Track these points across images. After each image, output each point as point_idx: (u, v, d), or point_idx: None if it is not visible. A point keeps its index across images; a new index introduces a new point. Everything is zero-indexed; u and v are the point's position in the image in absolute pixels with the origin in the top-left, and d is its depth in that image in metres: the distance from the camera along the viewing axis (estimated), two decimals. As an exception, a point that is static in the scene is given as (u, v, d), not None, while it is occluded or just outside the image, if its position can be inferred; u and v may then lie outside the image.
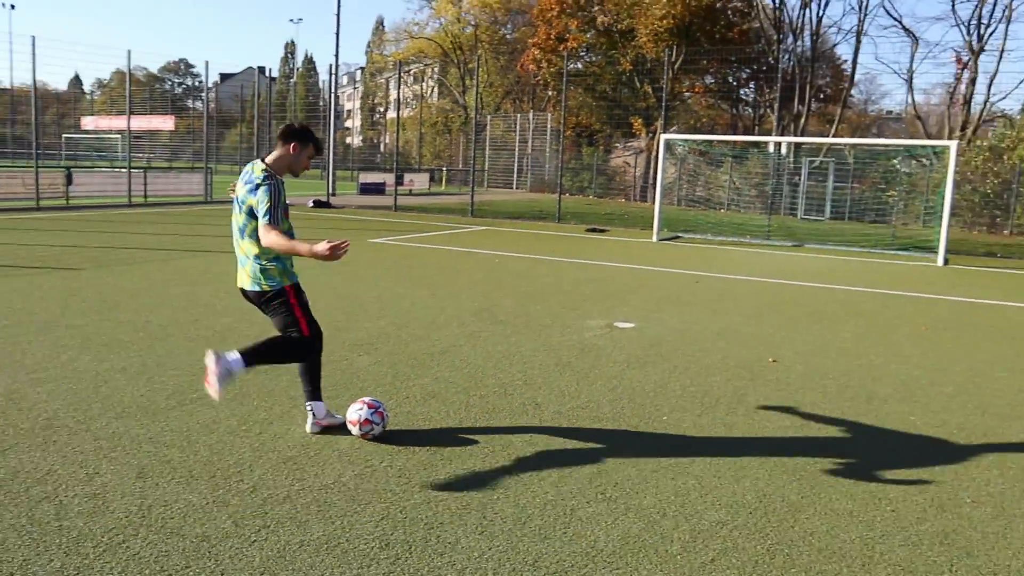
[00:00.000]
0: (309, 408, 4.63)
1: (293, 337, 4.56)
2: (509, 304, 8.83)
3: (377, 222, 19.75)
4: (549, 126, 42.10)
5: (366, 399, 4.62)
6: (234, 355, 4.33)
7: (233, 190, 4.62)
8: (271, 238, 4.31)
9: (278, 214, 4.36)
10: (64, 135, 64.17)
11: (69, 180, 22.61)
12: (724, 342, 7.35)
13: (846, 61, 38.74)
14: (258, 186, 4.36)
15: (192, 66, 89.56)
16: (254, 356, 4.42)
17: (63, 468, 3.96)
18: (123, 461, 4.08)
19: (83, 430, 4.50)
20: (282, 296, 4.55)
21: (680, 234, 18.79)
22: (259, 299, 4.56)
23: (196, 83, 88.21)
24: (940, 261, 14.91)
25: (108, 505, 3.58)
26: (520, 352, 6.65)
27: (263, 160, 4.56)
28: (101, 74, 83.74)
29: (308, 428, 4.61)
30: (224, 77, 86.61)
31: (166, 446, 4.30)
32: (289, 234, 4.46)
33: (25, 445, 4.25)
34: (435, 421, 4.84)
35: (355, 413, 4.52)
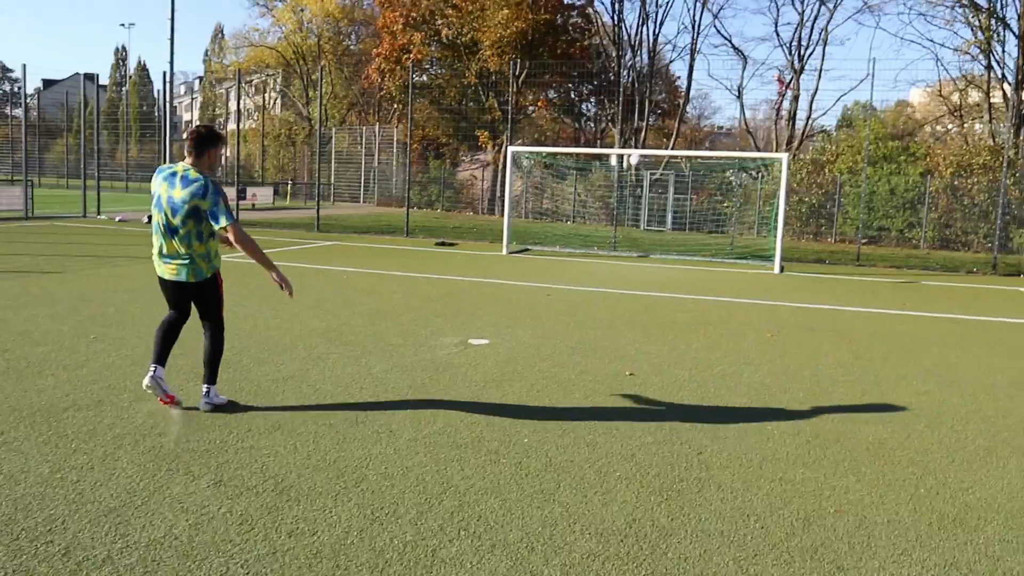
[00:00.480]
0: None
1: (221, 322, 5.44)
2: (358, 323, 8.46)
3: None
4: (395, 139, 41.68)
5: None
6: (209, 391, 5.25)
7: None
8: (246, 240, 5.02)
9: (236, 213, 4.50)
10: None
11: None
12: (580, 356, 7.29)
13: (680, 78, 40.59)
14: (205, 188, 4.85)
15: (11, 70, 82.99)
16: (214, 374, 5.32)
17: None
18: (-95, 525, 3.48)
19: None
20: (216, 280, 5.31)
21: (529, 247, 18.90)
22: (197, 288, 5.17)
23: (15, 88, 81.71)
24: (776, 268, 15.66)
25: None
26: (371, 374, 6.32)
27: (188, 163, 5.00)
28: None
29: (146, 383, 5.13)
30: (47, 83, 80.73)
31: (-39, 503, 3.72)
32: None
33: None
34: (280, 457, 4.45)
35: None
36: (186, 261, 5.05)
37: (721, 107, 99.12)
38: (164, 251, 5.07)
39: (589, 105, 42.70)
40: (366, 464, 4.39)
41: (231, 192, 28.86)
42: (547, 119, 42.85)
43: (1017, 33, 27.97)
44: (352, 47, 52.66)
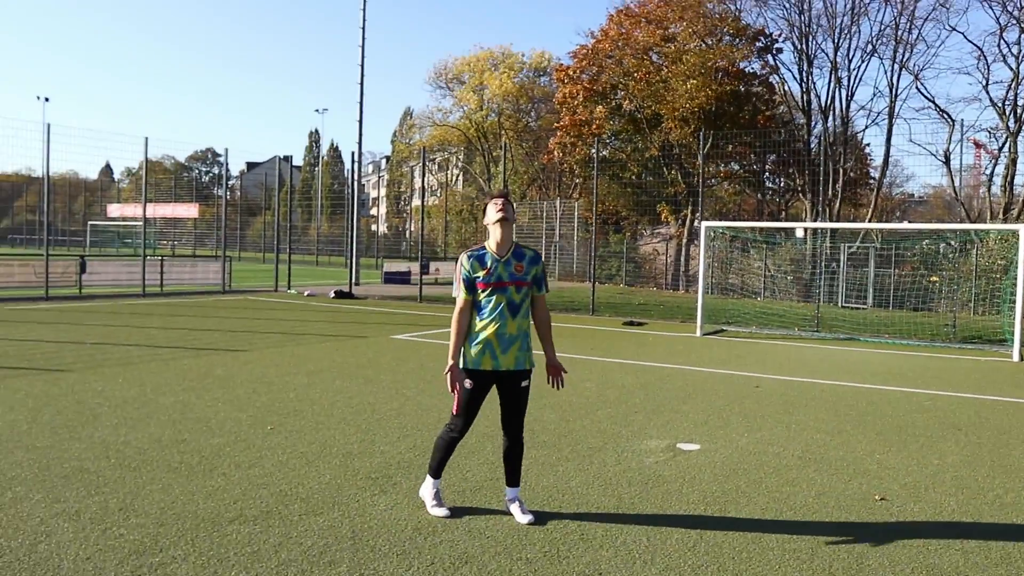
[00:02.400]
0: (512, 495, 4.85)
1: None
2: (550, 418, 7.61)
3: (401, 314, 18.72)
4: (576, 213, 41.43)
5: None
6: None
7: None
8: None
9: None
10: (90, 222, 64.63)
11: (82, 268, 21.91)
12: (812, 471, 6.07)
13: (868, 144, 37.91)
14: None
15: (219, 155, 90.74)
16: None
17: None
18: None
19: (-4, 620, 3.32)
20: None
21: (723, 327, 17.55)
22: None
23: (222, 171, 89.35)
24: (1016, 356, 13.54)
25: None
26: (570, 488, 5.41)
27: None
28: (130, 163, 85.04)
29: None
30: (251, 166, 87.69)
31: (100, 651, 3.10)
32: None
33: (-90, 648, 3.07)
34: (469, 605, 3.61)
35: None
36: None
37: (914, 174, 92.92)
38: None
39: (776, 177, 40.81)
40: (574, 625, 3.45)
41: (414, 266, 29.35)
42: (728, 192, 41.32)
43: None
44: (531, 124, 53.50)
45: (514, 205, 4.80)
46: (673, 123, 33.12)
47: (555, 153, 38.86)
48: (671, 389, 9.54)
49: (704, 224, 17.88)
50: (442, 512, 4.75)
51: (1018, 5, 29.62)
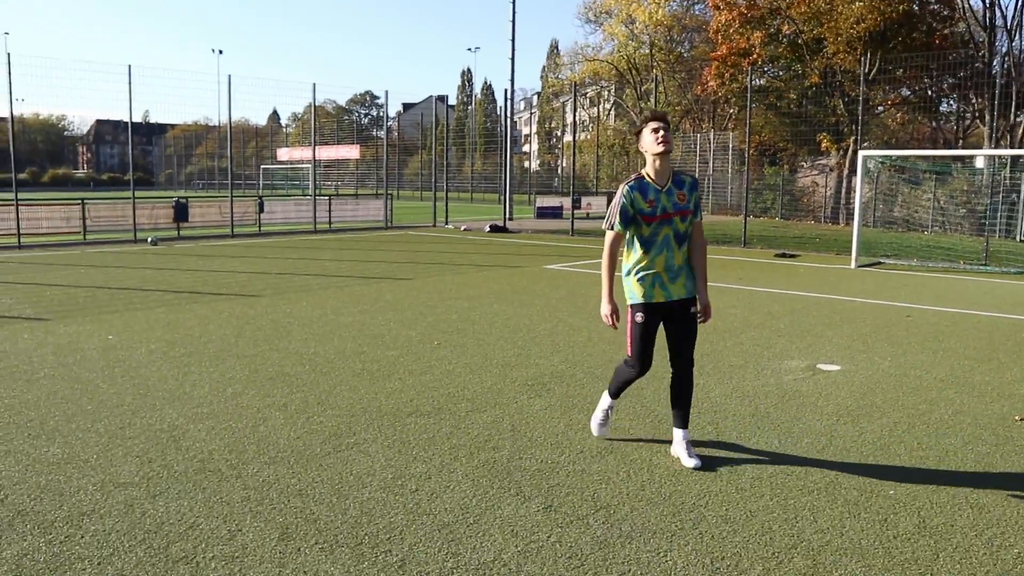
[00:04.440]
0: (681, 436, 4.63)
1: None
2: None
3: (553, 247, 19.36)
4: (731, 145, 40.53)
5: None
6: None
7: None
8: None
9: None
10: (262, 166, 68.80)
11: (261, 208, 23.79)
12: (953, 392, 6.22)
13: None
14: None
15: (377, 97, 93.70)
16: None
17: (207, 522, 3.63)
18: (268, 517, 3.69)
19: (234, 476, 4.18)
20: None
21: (882, 259, 17.11)
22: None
23: (380, 113, 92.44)
24: None
25: (244, 573, 3.17)
26: (710, 398, 5.86)
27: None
28: (296, 108, 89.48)
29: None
30: (407, 107, 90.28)
31: (315, 501, 3.89)
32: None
33: (175, 491, 3.98)
34: (613, 485, 4.18)
35: None
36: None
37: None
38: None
39: (950, 102, 38.23)
40: (705, 503, 3.96)
41: (566, 201, 29.89)
42: (898, 120, 39.12)
43: None
44: (685, 54, 52.21)
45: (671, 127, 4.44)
46: (837, 47, 31.61)
47: (710, 84, 37.99)
48: (817, 316, 9.68)
49: (861, 153, 17.35)
50: (602, 432, 4.84)
51: None
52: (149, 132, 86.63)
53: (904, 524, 3.77)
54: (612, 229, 4.43)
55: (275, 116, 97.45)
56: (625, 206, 4.36)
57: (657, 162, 4.35)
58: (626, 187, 4.38)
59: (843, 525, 3.73)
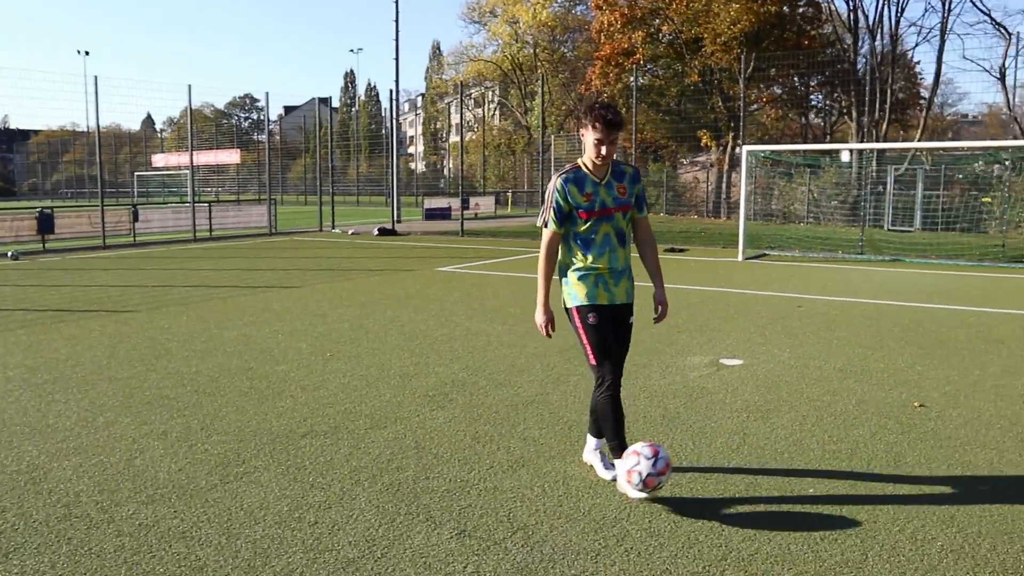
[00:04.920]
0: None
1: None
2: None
3: (444, 248, 19.04)
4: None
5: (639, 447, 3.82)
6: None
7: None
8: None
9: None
10: (136, 173, 65.68)
11: (135, 217, 22.50)
12: (853, 381, 6.27)
13: (919, 63, 36.80)
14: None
15: (257, 100, 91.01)
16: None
17: (72, 580, 3.17)
18: (146, 568, 3.25)
19: (106, 522, 3.70)
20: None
21: (766, 251, 17.57)
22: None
23: (261, 117, 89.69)
24: (1065, 273, 13.44)
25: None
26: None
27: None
28: (171, 112, 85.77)
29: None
30: (288, 110, 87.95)
31: (200, 544, 3.47)
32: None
33: (34, 545, 3.47)
34: (528, 502, 3.92)
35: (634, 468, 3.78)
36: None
37: (968, 93, 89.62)
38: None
39: (818, 98, 39.94)
40: (627, 516, 3.75)
41: (454, 201, 29.60)
42: (771, 116, 40.61)
43: None
44: (568, 54, 52.76)
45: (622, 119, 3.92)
46: (714, 47, 32.51)
47: (594, 83, 38.42)
48: (713, 310, 9.73)
49: (745, 148, 17.79)
50: (611, 475, 4.08)
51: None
52: (9, 139, 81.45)
53: (828, 525, 3.66)
54: (547, 227, 4.00)
55: (149, 121, 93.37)
56: (559, 201, 3.94)
57: (601, 151, 3.88)
58: (559, 179, 3.93)
59: (769, 530, 3.59)
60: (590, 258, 4.00)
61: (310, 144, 63.90)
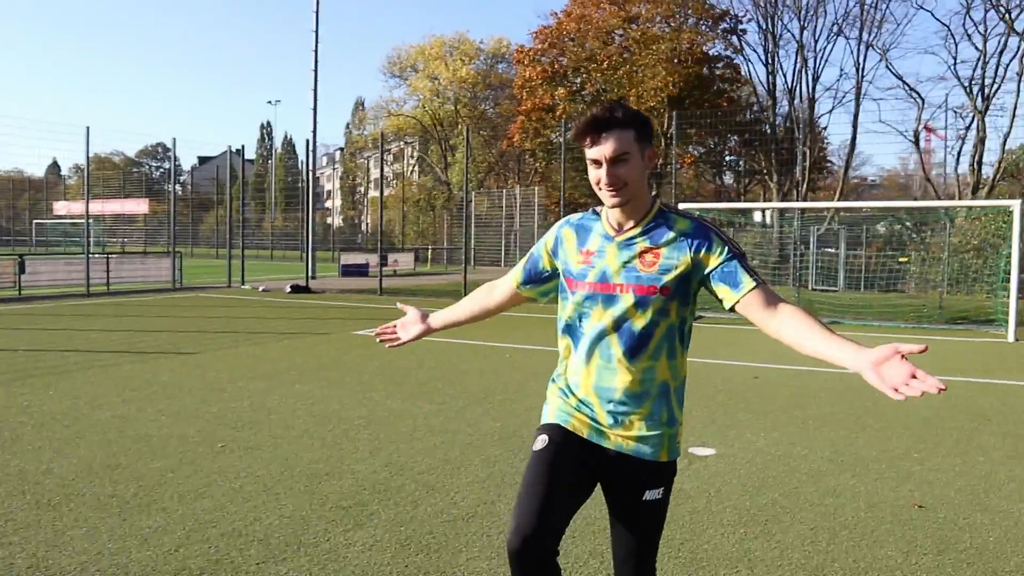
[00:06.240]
0: None
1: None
2: (499, 428, 6.76)
3: (362, 309, 17.73)
4: (536, 201, 40.64)
5: None
6: None
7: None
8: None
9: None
10: (35, 221, 62.40)
11: (21, 268, 20.52)
12: (850, 476, 5.31)
13: (825, 128, 37.53)
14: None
15: (169, 149, 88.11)
16: None
17: None
18: None
19: None
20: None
21: (701, 313, 16.86)
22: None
23: (174, 166, 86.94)
24: (1011, 337, 13.03)
25: None
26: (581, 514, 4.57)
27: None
28: (78, 158, 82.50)
29: None
30: (202, 160, 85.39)
31: None
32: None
33: None
34: None
35: None
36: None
37: (870, 157, 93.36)
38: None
39: (740, 160, 40.40)
40: None
41: (372, 258, 28.32)
42: (690, 176, 40.87)
43: None
44: (489, 112, 52.54)
45: (652, 127, 2.39)
46: (640, 107, 32.47)
47: (515, 138, 38.01)
48: (666, 383, 8.75)
49: (681, 207, 17.15)
50: None
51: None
52: None
53: None
54: (506, 276, 2.72)
55: (55, 167, 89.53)
56: (542, 247, 2.57)
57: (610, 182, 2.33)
58: (563, 220, 2.55)
59: None
60: (569, 364, 2.46)
61: (223, 196, 61.83)
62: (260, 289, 22.86)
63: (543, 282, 2.60)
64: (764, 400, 7.87)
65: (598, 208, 2.48)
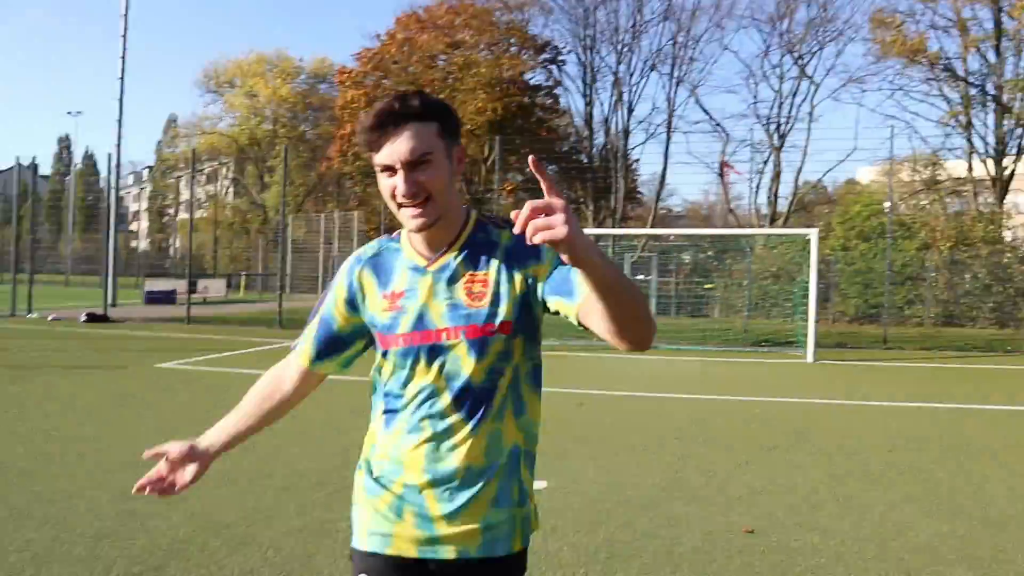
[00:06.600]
0: None
1: None
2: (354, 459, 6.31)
3: (166, 339, 16.45)
4: (355, 226, 39.89)
5: None
6: None
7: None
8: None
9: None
10: None
11: None
12: (683, 504, 5.24)
13: (637, 160, 39.33)
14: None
15: (-55, 163, 79.90)
16: None
17: None
18: None
19: None
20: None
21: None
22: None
23: (-50, 182, 78.56)
24: (810, 357, 13.86)
25: None
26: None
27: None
28: None
29: None
30: (-12, 175, 77.76)
31: None
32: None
33: None
34: None
35: None
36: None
37: (677, 188, 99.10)
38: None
39: (559, 188, 41.47)
40: None
41: (180, 284, 26.59)
42: (509, 204, 41.53)
43: (994, 104, 27.47)
44: (309, 132, 51.24)
45: (457, 123, 1.83)
46: (462, 133, 32.62)
47: (335, 161, 37.19)
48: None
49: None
50: None
51: (779, 30, 31.90)
52: None
53: None
54: (293, 350, 2.04)
55: None
56: (329, 310, 1.95)
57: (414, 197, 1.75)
58: (353, 258, 1.94)
59: None
60: (386, 442, 1.86)
61: (10, 213, 56.57)
62: (49, 319, 20.77)
63: (343, 349, 1.97)
64: (590, 428, 7.80)
65: (396, 232, 1.90)
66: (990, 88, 27.68)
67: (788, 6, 31.99)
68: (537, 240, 1.34)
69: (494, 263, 1.79)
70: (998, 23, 26.82)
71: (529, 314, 1.79)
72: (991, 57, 27.45)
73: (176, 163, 61.44)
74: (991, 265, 23.28)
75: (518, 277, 1.77)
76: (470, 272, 1.79)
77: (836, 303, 25.38)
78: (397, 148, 1.69)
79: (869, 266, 24.47)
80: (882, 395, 10.25)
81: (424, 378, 1.78)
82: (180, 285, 26.57)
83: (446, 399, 1.77)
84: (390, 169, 1.71)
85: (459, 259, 1.80)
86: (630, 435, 7.43)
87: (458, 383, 1.76)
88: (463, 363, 1.76)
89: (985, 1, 26.64)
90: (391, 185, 1.72)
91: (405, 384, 1.81)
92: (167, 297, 27.56)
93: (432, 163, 1.71)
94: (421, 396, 1.79)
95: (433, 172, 1.71)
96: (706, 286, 26.95)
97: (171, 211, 68.93)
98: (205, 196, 57.42)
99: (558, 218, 1.34)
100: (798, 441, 7.31)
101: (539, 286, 1.75)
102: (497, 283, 1.77)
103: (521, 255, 1.77)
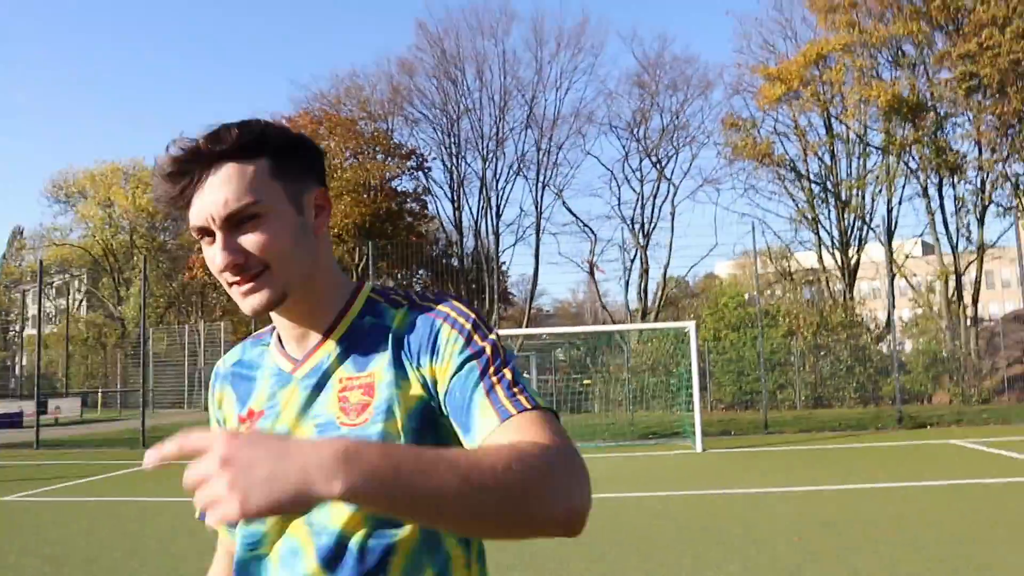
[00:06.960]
0: None
1: None
2: None
3: (11, 468, 14.86)
4: (222, 336, 38.30)
5: None
6: None
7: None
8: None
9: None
10: None
11: None
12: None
13: (505, 263, 39.93)
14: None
15: None
16: None
17: None
18: None
19: None
20: None
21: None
22: None
23: None
24: (699, 447, 13.89)
25: None
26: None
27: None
28: None
29: None
30: None
31: None
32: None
33: None
34: None
35: None
36: None
37: (547, 287, 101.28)
38: None
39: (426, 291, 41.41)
40: None
41: (28, 405, 24.49)
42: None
43: (835, 200, 29.56)
44: (169, 242, 49.40)
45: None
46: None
47: (196, 271, 35.86)
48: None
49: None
50: None
51: (637, 136, 33.51)
52: None
53: None
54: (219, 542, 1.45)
55: None
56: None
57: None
58: (214, 373, 1.42)
59: None
60: None
61: None
62: None
63: None
64: (494, 535, 7.36)
65: (270, 327, 1.37)
66: (830, 186, 29.81)
67: (643, 114, 33.75)
68: (211, 523, 0.88)
69: (381, 359, 1.21)
70: (829, 128, 29.23)
71: (435, 431, 1.19)
72: (827, 160, 29.76)
73: (22, 276, 57.82)
74: (851, 348, 24.56)
75: (413, 377, 1.20)
76: (347, 375, 1.23)
77: (713, 391, 25.99)
78: (206, 201, 1.16)
79: (740, 354, 25.32)
80: (776, 480, 10.27)
81: (291, 538, 1.20)
82: (28, 406, 24.46)
83: (311, 561, 1.17)
84: (206, 233, 1.18)
85: (334, 356, 1.24)
86: (561, 539, 7.04)
87: (327, 539, 1.16)
88: (332, 510, 1.15)
89: (817, 111, 29.01)
90: (211, 256, 1.18)
91: (254, 548, 1.23)
92: (12, 420, 25.29)
93: (264, 217, 1.17)
94: (282, 552, 1.21)
95: (267, 229, 1.17)
96: (584, 382, 27.10)
97: (16, 327, 64.32)
98: (55, 310, 54.04)
99: (218, 482, 0.83)
100: (705, 534, 7.10)
101: (441, 395, 1.18)
102: (389, 385, 1.19)
103: (414, 344, 1.20)
